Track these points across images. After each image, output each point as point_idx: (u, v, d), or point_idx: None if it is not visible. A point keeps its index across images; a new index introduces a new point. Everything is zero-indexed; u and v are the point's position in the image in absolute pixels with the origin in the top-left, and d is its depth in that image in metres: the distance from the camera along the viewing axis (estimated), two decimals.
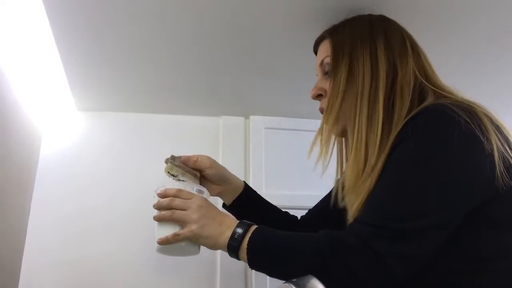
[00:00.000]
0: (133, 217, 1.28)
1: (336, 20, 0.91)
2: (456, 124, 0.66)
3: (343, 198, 0.83)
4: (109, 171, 1.32)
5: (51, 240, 1.22)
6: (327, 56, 0.87)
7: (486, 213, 0.67)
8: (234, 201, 1.07)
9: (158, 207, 0.90)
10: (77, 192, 1.28)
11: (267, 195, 1.33)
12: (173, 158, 1.00)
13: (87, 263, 1.21)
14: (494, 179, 0.66)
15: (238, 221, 0.84)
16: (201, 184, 1.02)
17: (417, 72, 0.80)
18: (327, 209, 0.94)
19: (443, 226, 0.66)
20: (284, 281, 0.58)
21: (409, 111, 0.74)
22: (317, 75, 0.92)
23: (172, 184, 0.92)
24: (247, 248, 0.78)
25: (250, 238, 0.79)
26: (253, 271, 1.24)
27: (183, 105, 1.38)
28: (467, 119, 0.66)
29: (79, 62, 1.12)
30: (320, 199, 1.07)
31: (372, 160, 0.74)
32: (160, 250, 0.88)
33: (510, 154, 0.68)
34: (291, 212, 1.31)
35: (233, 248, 0.81)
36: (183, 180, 0.98)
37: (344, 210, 0.82)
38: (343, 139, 0.91)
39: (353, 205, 0.76)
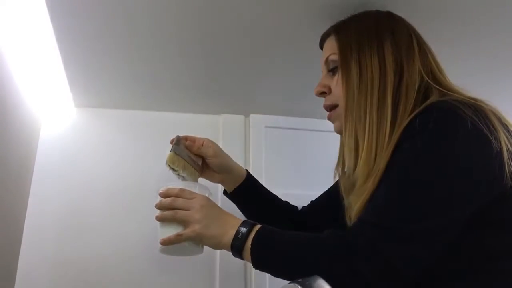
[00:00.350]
0: (131, 214, 1.26)
1: (337, 18, 0.90)
2: (463, 122, 0.65)
3: (347, 196, 0.82)
4: (107, 168, 1.31)
5: (48, 237, 1.20)
6: (332, 53, 0.86)
7: (494, 213, 0.67)
8: (235, 189, 1.07)
9: (160, 207, 0.89)
10: (75, 189, 1.27)
11: None
12: (178, 140, 1.00)
13: (85, 260, 1.20)
14: (503, 178, 0.65)
15: (242, 221, 0.84)
16: (203, 171, 1.03)
17: (423, 72, 0.79)
18: (330, 204, 0.93)
19: (451, 226, 0.65)
20: (290, 282, 0.57)
21: (412, 111, 0.74)
22: (323, 71, 0.91)
23: (174, 184, 0.91)
24: (251, 248, 0.78)
25: (254, 237, 0.78)
26: (253, 271, 1.23)
27: (182, 103, 1.36)
28: (474, 117, 0.66)
29: (79, 59, 1.10)
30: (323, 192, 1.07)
31: (379, 160, 0.73)
32: (163, 251, 0.87)
33: None
34: None
35: (236, 248, 0.80)
36: (183, 176, 0.98)
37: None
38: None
39: (356, 203, 0.75)
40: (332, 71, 0.87)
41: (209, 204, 0.88)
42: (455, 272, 0.67)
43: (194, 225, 0.84)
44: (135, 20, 0.97)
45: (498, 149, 0.65)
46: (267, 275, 1.19)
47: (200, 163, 1.03)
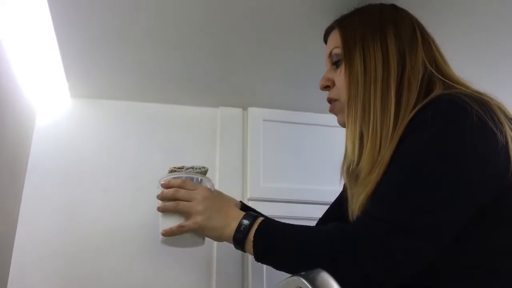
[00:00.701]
0: (127, 207, 1.25)
1: (340, 12, 0.90)
2: (468, 115, 0.65)
3: (351, 189, 0.82)
4: (103, 160, 1.29)
5: (43, 227, 1.18)
6: (336, 47, 0.86)
7: (499, 207, 0.67)
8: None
9: (162, 198, 0.88)
10: (70, 180, 1.24)
11: (264, 188, 1.33)
12: None
13: (80, 253, 1.18)
14: (508, 172, 0.65)
15: (244, 213, 0.83)
16: None
17: (426, 63, 0.79)
18: (340, 214, 0.90)
19: (457, 221, 0.65)
20: (293, 274, 0.57)
21: (415, 103, 0.74)
22: (326, 65, 0.91)
23: (176, 175, 0.90)
24: (253, 241, 0.78)
25: (256, 230, 0.78)
26: (250, 267, 1.22)
27: (180, 95, 1.35)
28: (479, 110, 0.65)
29: (76, 48, 1.09)
30: (326, 207, 1.03)
31: (383, 152, 0.73)
32: (164, 242, 0.86)
33: None
34: (288, 205, 1.32)
35: (239, 240, 0.80)
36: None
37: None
38: None
39: (360, 195, 0.75)
40: (335, 64, 0.87)
41: (211, 195, 0.87)
42: (459, 267, 0.67)
43: (196, 216, 0.84)
44: (133, 11, 0.96)
45: (504, 143, 0.65)
46: (264, 268, 1.21)
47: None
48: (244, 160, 1.35)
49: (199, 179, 0.91)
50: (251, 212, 0.83)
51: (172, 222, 0.84)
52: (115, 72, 1.21)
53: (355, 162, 0.78)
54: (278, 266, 0.78)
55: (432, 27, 0.85)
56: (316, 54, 1.05)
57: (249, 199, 1.29)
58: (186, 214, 0.85)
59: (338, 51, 0.86)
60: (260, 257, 0.78)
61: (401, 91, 0.76)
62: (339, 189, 0.97)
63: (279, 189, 1.32)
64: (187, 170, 0.91)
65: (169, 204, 0.86)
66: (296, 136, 1.40)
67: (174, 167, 0.93)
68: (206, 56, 1.15)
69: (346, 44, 0.84)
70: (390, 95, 0.76)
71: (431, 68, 0.78)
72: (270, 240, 0.77)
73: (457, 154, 0.66)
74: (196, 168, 0.93)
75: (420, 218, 0.65)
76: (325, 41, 0.93)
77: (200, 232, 0.85)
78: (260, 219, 0.80)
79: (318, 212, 1.04)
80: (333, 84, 0.87)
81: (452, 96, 0.69)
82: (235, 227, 0.81)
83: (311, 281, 0.52)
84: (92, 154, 1.29)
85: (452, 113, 0.67)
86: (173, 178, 0.88)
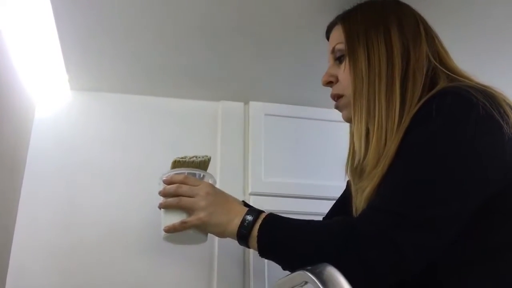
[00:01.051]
0: (128, 202, 1.24)
1: (342, 7, 0.89)
2: (474, 107, 0.65)
3: (356, 183, 0.81)
4: (103, 153, 1.28)
5: (42, 221, 1.17)
6: (339, 42, 0.85)
7: (507, 200, 0.66)
8: None
9: (164, 194, 0.87)
10: (69, 174, 1.23)
11: (265, 183, 1.32)
12: None
13: (80, 249, 1.17)
14: None
15: (248, 208, 0.83)
16: None
17: (430, 56, 0.78)
18: (343, 212, 0.90)
19: (462, 214, 0.65)
20: (299, 269, 0.56)
21: (420, 96, 0.74)
22: (329, 61, 0.90)
23: (178, 171, 0.89)
24: (258, 236, 0.77)
25: (260, 225, 0.78)
26: (251, 265, 1.22)
27: (181, 89, 1.34)
28: (485, 102, 0.65)
29: (76, 40, 1.07)
30: (332, 202, 1.03)
31: (389, 145, 0.72)
32: (167, 238, 0.86)
33: None
34: (290, 200, 1.31)
35: (243, 236, 0.79)
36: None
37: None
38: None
39: (365, 189, 0.74)
40: (339, 59, 0.86)
41: (214, 191, 0.86)
42: (462, 261, 0.67)
43: (199, 212, 0.83)
44: (135, 3, 0.95)
45: (510, 135, 0.65)
46: (266, 263, 1.21)
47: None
48: (245, 155, 1.35)
49: (201, 175, 0.90)
50: (255, 208, 0.83)
51: (175, 218, 0.83)
52: (116, 65, 1.20)
53: (362, 158, 0.77)
54: (282, 262, 0.78)
55: (432, 19, 0.85)
56: (318, 49, 1.04)
57: (251, 194, 1.29)
58: (188, 210, 0.84)
59: (341, 46, 0.85)
60: (265, 253, 0.78)
61: (406, 85, 0.76)
62: (341, 183, 0.97)
63: (280, 184, 1.31)
64: (190, 160, 0.89)
65: (171, 200, 0.85)
66: (297, 130, 1.39)
67: (177, 158, 0.92)
68: (207, 49, 1.14)
69: (350, 39, 0.83)
70: (394, 89, 0.76)
71: (434, 61, 0.78)
72: (275, 236, 0.77)
73: (464, 146, 0.65)
74: (199, 157, 0.92)
75: (427, 211, 0.64)
76: (327, 37, 0.92)
77: (203, 228, 0.85)
78: (264, 214, 0.80)
79: (320, 207, 1.03)
80: (336, 80, 0.87)
81: (457, 88, 0.69)
82: (239, 223, 0.80)
83: (318, 276, 0.52)
84: (91, 147, 1.28)
85: (457, 105, 0.67)
86: (175, 174, 0.87)
